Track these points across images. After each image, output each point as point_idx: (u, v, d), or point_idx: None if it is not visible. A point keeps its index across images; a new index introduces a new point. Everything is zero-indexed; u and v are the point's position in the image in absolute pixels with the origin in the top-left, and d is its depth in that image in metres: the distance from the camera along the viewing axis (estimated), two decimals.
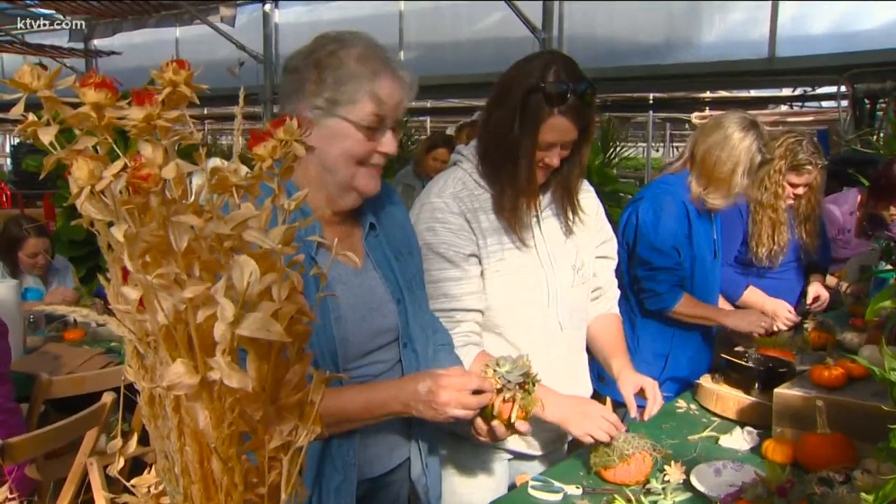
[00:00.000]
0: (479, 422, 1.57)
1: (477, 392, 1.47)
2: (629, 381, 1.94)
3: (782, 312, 3.00)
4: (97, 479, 2.49)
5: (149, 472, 0.74)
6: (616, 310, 2.20)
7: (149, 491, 0.72)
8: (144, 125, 0.61)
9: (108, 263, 0.65)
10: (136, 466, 0.78)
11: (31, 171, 6.59)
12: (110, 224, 0.63)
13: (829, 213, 3.90)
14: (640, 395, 1.93)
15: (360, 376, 1.55)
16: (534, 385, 1.55)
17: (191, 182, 0.66)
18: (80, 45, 10.30)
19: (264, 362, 0.63)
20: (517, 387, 1.53)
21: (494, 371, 1.55)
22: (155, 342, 0.64)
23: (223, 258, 0.59)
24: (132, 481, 0.72)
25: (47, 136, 0.54)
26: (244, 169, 0.66)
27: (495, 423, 1.54)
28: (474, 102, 9.60)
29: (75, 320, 3.74)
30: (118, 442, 0.73)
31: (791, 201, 3.15)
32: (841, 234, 3.93)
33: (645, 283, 2.66)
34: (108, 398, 2.61)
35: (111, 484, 2.84)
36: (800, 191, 3.12)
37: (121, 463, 0.72)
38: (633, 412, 1.88)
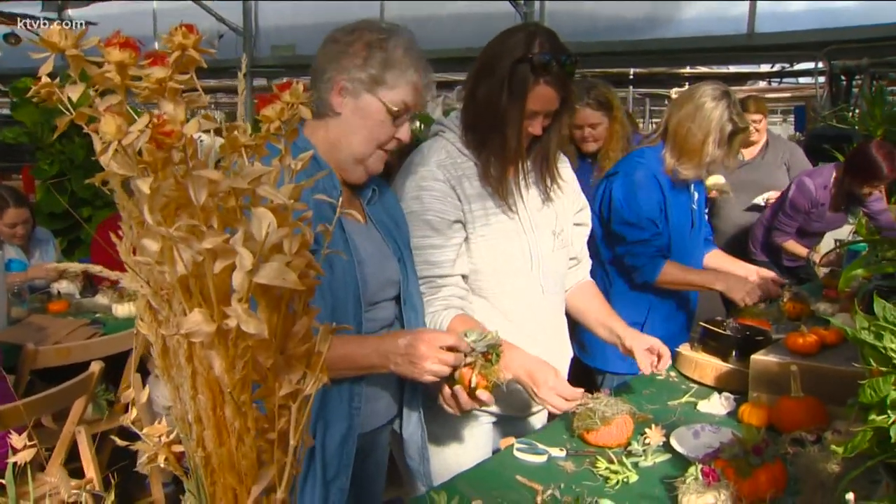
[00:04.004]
0: (445, 388, 1.63)
1: (452, 350, 1.54)
2: (640, 341, 1.97)
3: None
4: (85, 447, 2.52)
5: (159, 422, 0.77)
6: (589, 277, 2.25)
7: (160, 440, 0.76)
8: (157, 87, 0.64)
9: (123, 220, 0.68)
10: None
11: (9, 143, 6.47)
12: (124, 182, 0.65)
13: (802, 186, 3.95)
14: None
15: (366, 322, 1.63)
16: (497, 357, 1.61)
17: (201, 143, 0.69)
18: (55, 15, 10.12)
19: (274, 313, 0.66)
20: (480, 355, 1.59)
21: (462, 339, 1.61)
22: (169, 295, 0.67)
23: (237, 214, 0.62)
24: (144, 430, 0.75)
25: (75, 93, 0.57)
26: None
27: (457, 388, 1.60)
28: (456, 77, 9.56)
29: (59, 291, 3.74)
30: (130, 392, 0.76)
31: None
32: (814, 208, 3.97)
33: (625, 259, 2.71)
34: (95, 367, 2.63)
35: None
36: None
37: (134, 413, 0.75)
38: (648, 369, 1.93)
